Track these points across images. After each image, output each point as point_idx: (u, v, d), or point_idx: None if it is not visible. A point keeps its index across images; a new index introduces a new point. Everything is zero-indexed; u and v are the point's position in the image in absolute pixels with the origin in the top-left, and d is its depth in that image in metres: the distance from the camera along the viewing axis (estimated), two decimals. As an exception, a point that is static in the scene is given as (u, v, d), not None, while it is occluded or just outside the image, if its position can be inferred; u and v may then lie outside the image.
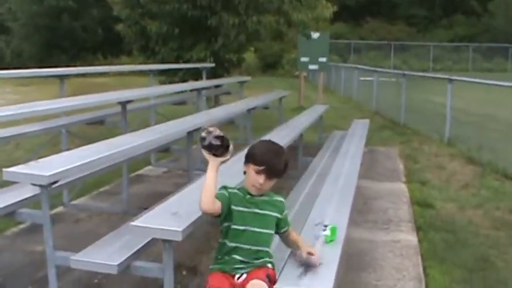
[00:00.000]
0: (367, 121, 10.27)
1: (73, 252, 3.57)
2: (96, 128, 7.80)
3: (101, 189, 7.54)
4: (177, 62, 13.00)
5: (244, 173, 3.21)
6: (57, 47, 38.80)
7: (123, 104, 6.16)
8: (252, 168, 3.13)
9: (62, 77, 6.96)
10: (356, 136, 8.44)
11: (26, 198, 3.95)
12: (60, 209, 6.53)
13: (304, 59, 18.51)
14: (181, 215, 3.22)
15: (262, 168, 3.09)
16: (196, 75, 12.63)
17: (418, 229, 6.09)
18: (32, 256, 5.12)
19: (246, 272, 3.09)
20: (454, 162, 9.68)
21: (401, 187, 7.90)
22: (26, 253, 5.23)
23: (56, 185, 3.68)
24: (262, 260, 3.15)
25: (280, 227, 3.31)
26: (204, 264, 4.75)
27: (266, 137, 6.64)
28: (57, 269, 3.63)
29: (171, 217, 3.21)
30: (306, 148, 8.53)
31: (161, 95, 9.91)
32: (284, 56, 39.54)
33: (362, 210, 6.70)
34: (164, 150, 6.36)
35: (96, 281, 4.54)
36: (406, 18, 52.00)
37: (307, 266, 3.18)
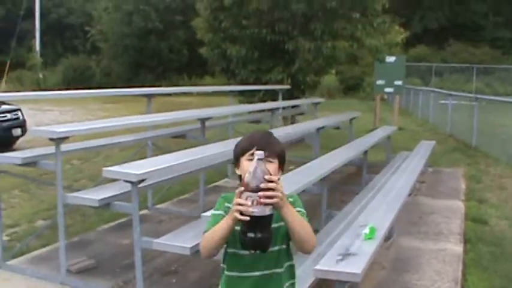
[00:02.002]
0: (433, 142, 10.77)
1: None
2: (178, 142, 8.68)
3: (181, 197, 8.43)
4: (256, 83, 13.81)
5: (239, 180, 2.43)
6: (144, 66, 40.37)
7: (203, 120, 6.99)
8: (244, 160, 2.47)
9: (149, 96, 7.88)
10: (419, 155, 8.99)
11: (119, 194, 4.79)
12: (145, 211, 7.44)
13: (380, 82, 18.98)
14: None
15: (253, 150, 2.40)
16: (273, 96, 13.40)
17: (467, 241, 6.60)
18: (120, 247, 6.01)
19: None
20: (517, 184, 10.03)
21: (459, 204, 8.36)
22: (115, 245, 6.14)
23: (143, 184, 4.51)
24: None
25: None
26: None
27: (331, 154, 7.35)
28: (142, 253, 4.44)
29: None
30: (373, 167, 9.15)
31: (239, 113, 10.75)
32: (365, 79, 39.89)
33: (416, 223, 7.25)
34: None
35: (173, 268, 5.34)
36: (491, 40, 51.08)
37: (345, 255, 3.85)
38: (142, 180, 4.28)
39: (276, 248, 2.49)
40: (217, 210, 2.53)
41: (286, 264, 2.57)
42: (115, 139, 6.84)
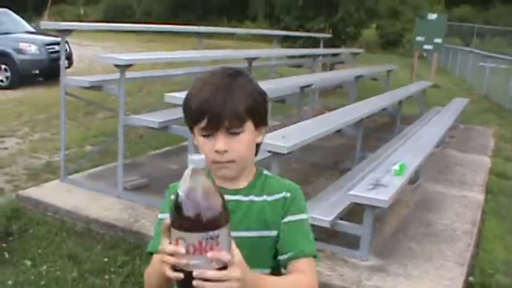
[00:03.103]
0: (466, 100, 11.12)
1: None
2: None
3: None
4: (298, 30, 14.16)
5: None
6: (184, 7, 40.48)
7: (250, 60, 7.42)
8: (197, 133, 1.62)
9: (201, 34, 8.35)
10: (450, 111, 9.36)
11: (176, 118, 5.30)
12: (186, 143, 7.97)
13: (419, 39, 19.03)
14: (288, 137, 4.45)
15: (205, 122, 1.56)
16: (315, 44, 13.75)
17: (488, 192, 7.02)
18: (168, 171, 6.60)
19: None
20: (545, 146, 10.36)
21: (485, 160, 8.73)
22: (164, 168, 6.74)
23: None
24: None
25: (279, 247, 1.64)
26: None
27: (367, 100, 7.75)
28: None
29: (280, 138, 4.44)
30: (406, 118, 9.56)
31: (282, 57, 11.18)
32: (405, 35, 39.62)
33: (443, 171, 7.68)
34: (280, 101, 7.51)
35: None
36: (538, 5, 50.01)
37: (376, 185, 4.34)
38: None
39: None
40: (162, 212, 1.66)
41: None
42: (167, 72, 7.35)
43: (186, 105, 1.62)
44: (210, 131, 1.56)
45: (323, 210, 4.44)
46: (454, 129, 10.00)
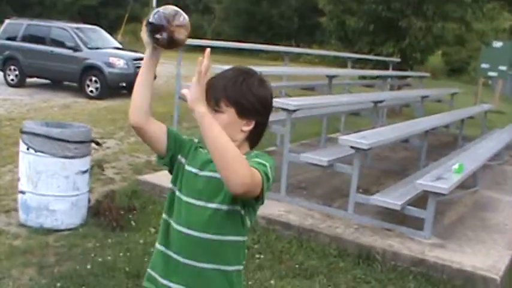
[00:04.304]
0: (525, 123, 11.90)
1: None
2: (305, 93, 10.15)
3: (302, 141, 9.90)
4: (368, 54, 15.18)
5: None
6: (254, 30, 41.42)
7: (330, 77, 8.50)
8: None
9: (285, 53, 9.50)
10: (508, 132, 10.21)
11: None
12: (273, 148, 8.97)
13: (484, 66, 19.56)
14: (368, 138, 5.51)
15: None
16: (384, 67, 14.73)
17: (540, 201, 7.87)
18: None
19: None
20: None
21: (541, 176, 9.54)
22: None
23: (294, 115, 6.10)
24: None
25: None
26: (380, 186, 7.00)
27: (432, 116, 8.68)
28: (288, 165, 6.07)
29: (361, 138, 5.48)
30: (468, 138, 10.40)
31: (354, 77, 12.26)
32: (471, 63, 39.75)
33: (500, 183, 8.57)
34: (354, 114, 8.55)
35: (303, 185, 6.92)
36: None
37: (438, 178, 5.34)
38: (295, 111, 5.89)
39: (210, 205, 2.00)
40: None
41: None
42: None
43: None
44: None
45: (394, 198, 5.47)
46: (513, 149, 10.82)
